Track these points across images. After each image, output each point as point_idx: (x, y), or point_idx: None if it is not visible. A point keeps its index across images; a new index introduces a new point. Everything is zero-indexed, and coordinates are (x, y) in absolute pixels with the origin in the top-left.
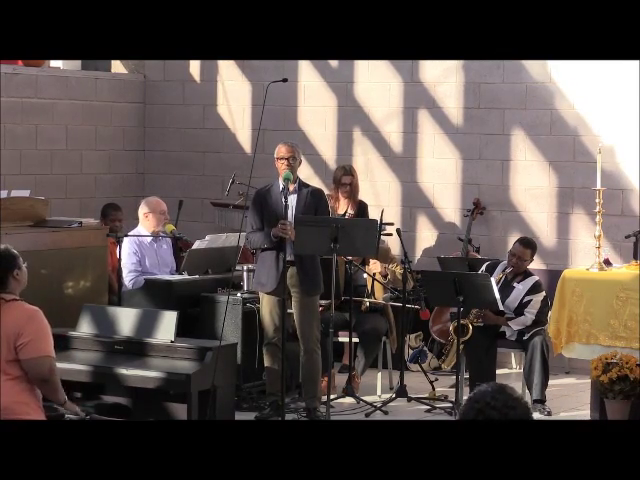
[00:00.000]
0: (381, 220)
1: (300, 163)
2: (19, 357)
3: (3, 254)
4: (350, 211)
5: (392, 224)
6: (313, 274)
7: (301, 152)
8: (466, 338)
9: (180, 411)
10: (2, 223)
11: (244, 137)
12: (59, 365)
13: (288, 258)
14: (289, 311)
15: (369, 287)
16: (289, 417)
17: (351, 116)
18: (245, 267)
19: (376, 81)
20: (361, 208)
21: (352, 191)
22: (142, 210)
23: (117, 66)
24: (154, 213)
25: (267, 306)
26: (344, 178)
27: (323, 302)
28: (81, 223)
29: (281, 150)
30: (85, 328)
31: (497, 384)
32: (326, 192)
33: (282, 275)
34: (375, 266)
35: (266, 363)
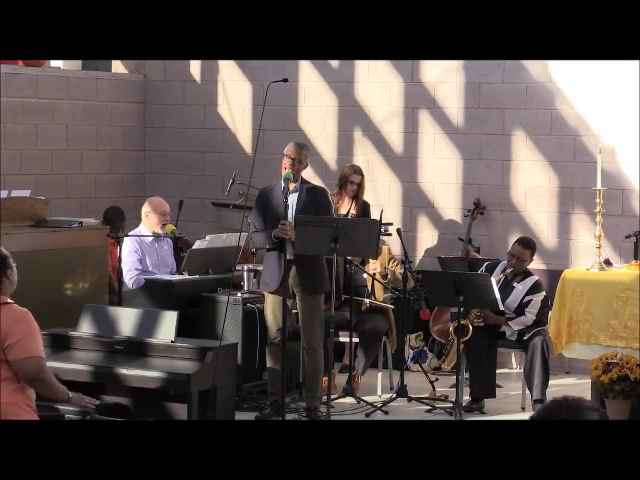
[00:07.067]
0: (380, 220)
1: (305, 167)
2: (7, 358)
3: None
4: (353, 211)
5: (391, 224)
6: (314, 273)
7: (308, 156)
8: (466, 338)
9: (180, 411)
10: (2, 223)
11: (244, 137)
12: (60, 365)
13: (288, 257)
14: (294, 311)
15: (369, 287)
16: (289, 417)
17: (351, 116)
18: (245, 267)
19: (376, 81)
20: (364, 209)
21: (359, 191)
22: (144, 209)
23: (117, 66)
24: (154, 213)
25: (270, 306)
26: (353, 177)
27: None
28: (81, 223)
29: (289, 149)
30: (85, 328)
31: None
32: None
33: (284, 275)
34: (372, 265)
35: (268, 363)
